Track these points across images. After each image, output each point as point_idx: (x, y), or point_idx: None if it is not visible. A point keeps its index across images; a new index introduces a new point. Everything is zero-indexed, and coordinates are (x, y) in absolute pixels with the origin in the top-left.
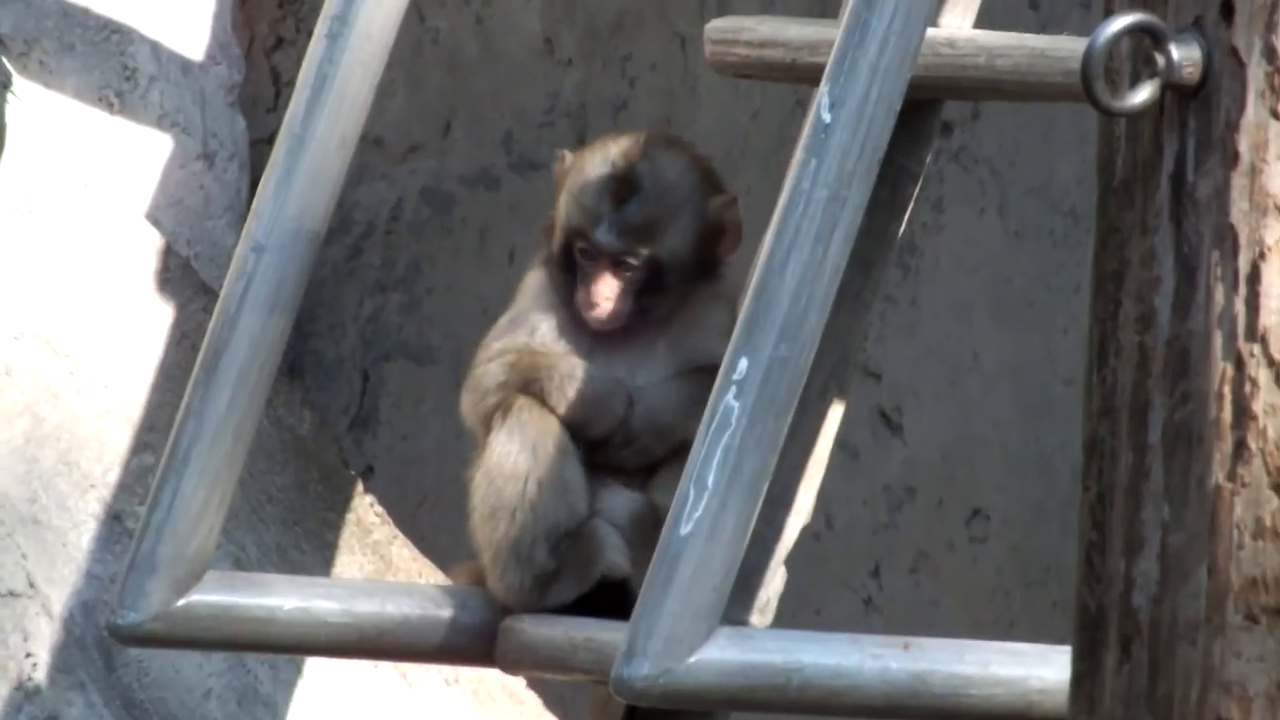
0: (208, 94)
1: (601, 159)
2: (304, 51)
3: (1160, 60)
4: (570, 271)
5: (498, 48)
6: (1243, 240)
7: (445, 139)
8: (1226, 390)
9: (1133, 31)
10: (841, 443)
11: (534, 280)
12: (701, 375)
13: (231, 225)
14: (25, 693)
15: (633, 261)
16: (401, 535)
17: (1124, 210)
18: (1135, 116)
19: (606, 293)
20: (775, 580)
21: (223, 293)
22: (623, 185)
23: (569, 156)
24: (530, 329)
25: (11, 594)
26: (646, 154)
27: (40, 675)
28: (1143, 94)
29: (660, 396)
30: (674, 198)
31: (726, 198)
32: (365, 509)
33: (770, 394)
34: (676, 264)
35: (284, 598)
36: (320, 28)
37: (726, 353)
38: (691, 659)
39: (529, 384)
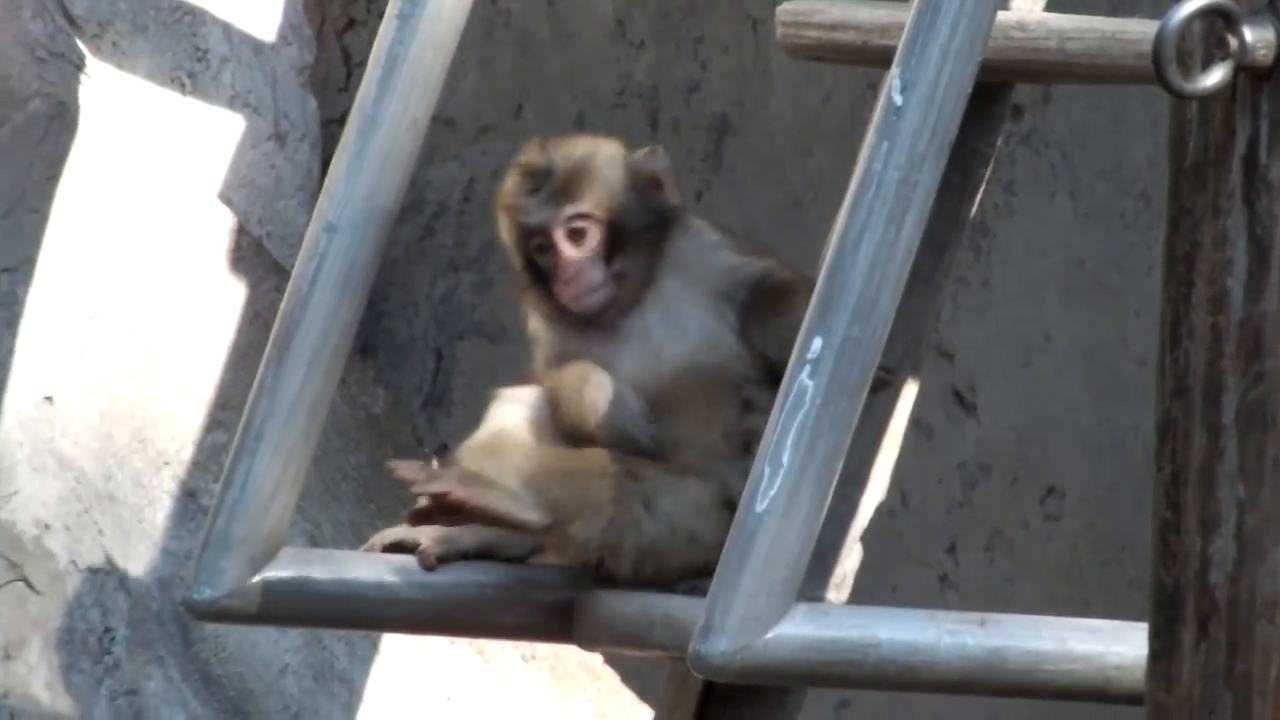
0: (279, 75)
1: (512, 169)
2: (375, 32)
3: (1233, 42)
4: (544, 283)
5: (569, 29)
6: None
7: (517, 120)
8: None
9: (1205, 14)
10: (916, 421)
11: (532, 325)
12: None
13: (303, 205)
14: (105, 667)
15: (581, 226)
16: None
17: (1196, 192)
18: (1207, 99)
19: (573, 265)
20: (851, 557)
21: (295, 272)
22: (536, 169)
23: (496, 194)
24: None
25: (90, 569)
26: (545, 143)
27: (119, 650)
28: (1215, 76)
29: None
30: (584, 160)
31: (648, 149)
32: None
33: (844, 373)
34: (623, 213)
35: (359, 574)
36: (391, 8)
37: (800, 332)
38: (768, 635)
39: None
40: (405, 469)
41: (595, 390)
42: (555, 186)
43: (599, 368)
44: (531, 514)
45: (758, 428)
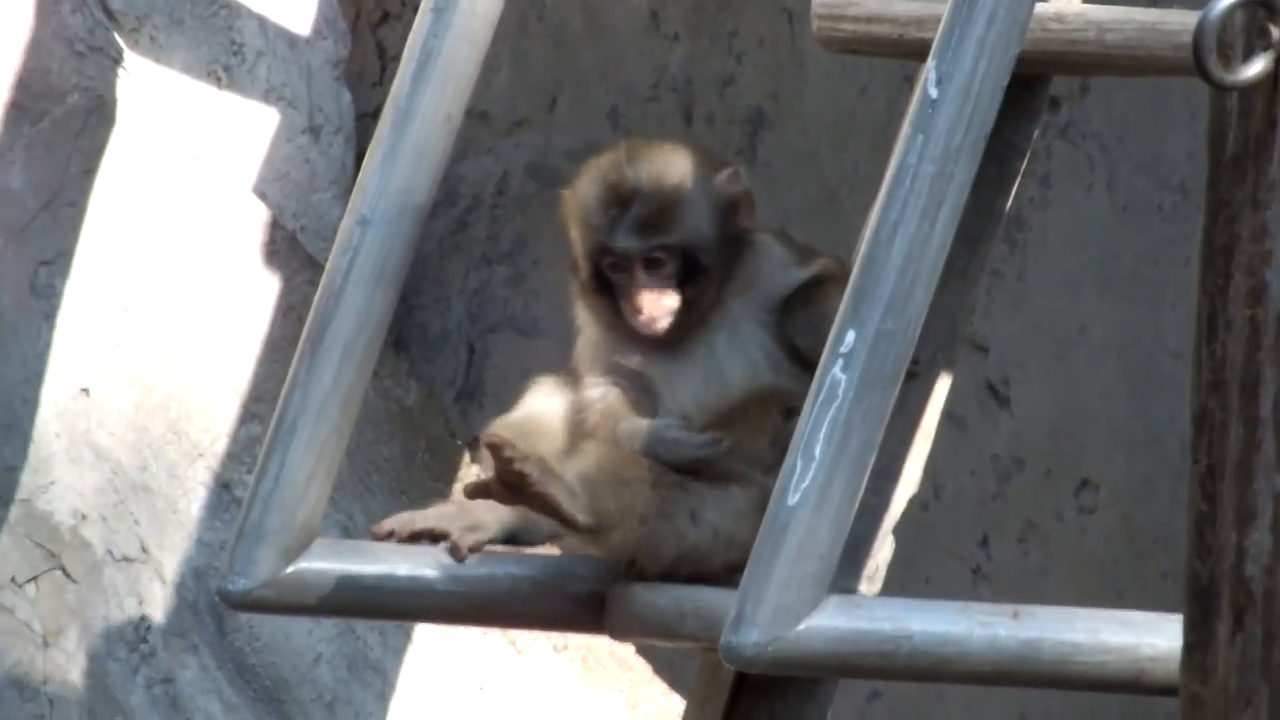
0: (314, 68)
1: (593, 179)
2: (409, 26)
3: (1274, 33)
4: (609, 294)
5: (603, 22)
6: None
7: (551, 114)
8: None
9: (1246, 4)
10: (949, 414)
11: (583, 336)
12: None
13: (337, 199)
14: (141, 655)
15: (661, 256)
16: None
17: (1235, 185)
18: (1248, 90)
19: (649, 294)
20: (883, 550)
21: (328, 266)
22: (622, 190)
23: (567, 194)
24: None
25: (126, 559)
26: (633, 156)
27: (155, 639)
28: (1256, 67)
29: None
30: (675, 183)
31: (729, 170)
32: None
33: (877, 366)
34: (703, 244)
35: (392, 565)
36: (426, 2)
37: (834, 325)
38: (800, 626)
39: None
40: (497, 437)
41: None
42: (640, 214)
43: (632, 417)
44: (580, 513)
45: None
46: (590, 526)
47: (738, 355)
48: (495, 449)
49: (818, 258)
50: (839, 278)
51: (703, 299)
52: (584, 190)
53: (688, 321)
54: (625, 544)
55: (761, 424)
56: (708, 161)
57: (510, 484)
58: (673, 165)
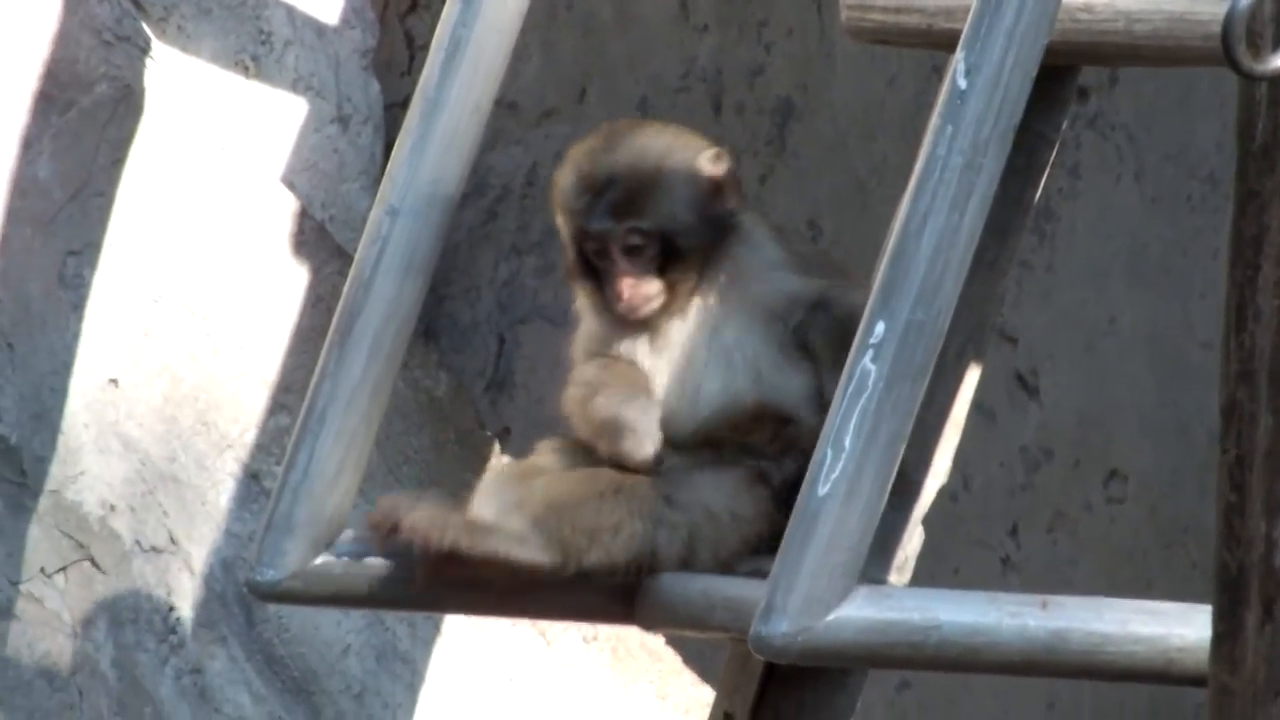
0: (342, 58)
1: (574, 162)
2: (438, 15)
3: None
4: (595, 278)
5: (633, 12)
6: None
7: (580, 104)
8: None
9: None
10: (978, 405)
11: (579, 305)
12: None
13: (366, 189)
14: (170, 646)
15: (637, 241)
16: None
17: (1264, 175)
18: (1277, 80)
19: (628, 280)
20: (913, 540)
21: (357, 256)
22: (599, 173)
23: (555, 179)
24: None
25: (155, 549)
26: (612, 139)
27: (184, 629)
28: None
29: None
30: (651, 166)
31: (713, 150)
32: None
33: (906, 358)
34: (683, 228)
35: None
36: None
37: (864, 317)
38: (830, 617)
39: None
40: (385, 516)
41: (631, 427)
42: (618, 196)
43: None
44: (541, 555)
45: (799, 436)
46: (557, 563)
47: (718, 359)
48: (389, 531)
49: (814, 262)
50: (849, 291)
51: (686, 282)
52: (565, 174)
53: (672, 307)
54: (612, 563)
55: (746, 433)
56: (690, 144)
57: (443, 562)
58: (651, 148)
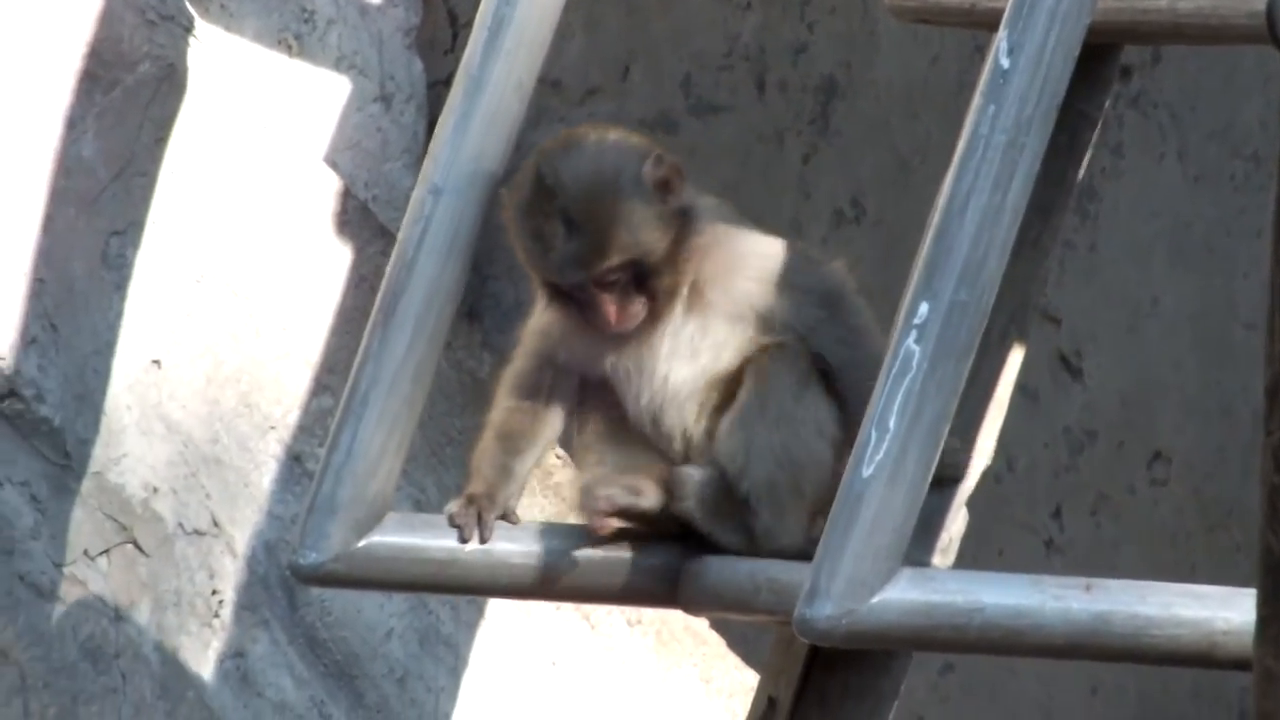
0: (385, 36)
1: (522, 205)
2: None
3: None
4: (571, 300)
5: None
6: None
7: (624, 82)
8: None
9: None
10: (1022, 386)
11: (543, 316)
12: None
13: (409, 168)
14: (212, 629)
15: (612, 278)
16: None
17: None
18: None
19: (612, 307)
20: (956, 522)
21: (400, 235)
22: (553, 225)
23: (504, 195)
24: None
25: (197, 532)
26: (556, 177)
27: (226, 612)
28: None
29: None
30: (608, 202)
31: (653, 157)
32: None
33: (950, 338)
34: (649, 247)
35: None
36: None
37: (906, 297)
38: (874, 599)
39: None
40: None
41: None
42: (581, 249)
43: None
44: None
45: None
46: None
47: (686, 359)
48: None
49: (784, 259)
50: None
51: (662, 290)
52: (517, 219)
53: (656, 308)
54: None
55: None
56: (629, 154)
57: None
58: (600, 182)
